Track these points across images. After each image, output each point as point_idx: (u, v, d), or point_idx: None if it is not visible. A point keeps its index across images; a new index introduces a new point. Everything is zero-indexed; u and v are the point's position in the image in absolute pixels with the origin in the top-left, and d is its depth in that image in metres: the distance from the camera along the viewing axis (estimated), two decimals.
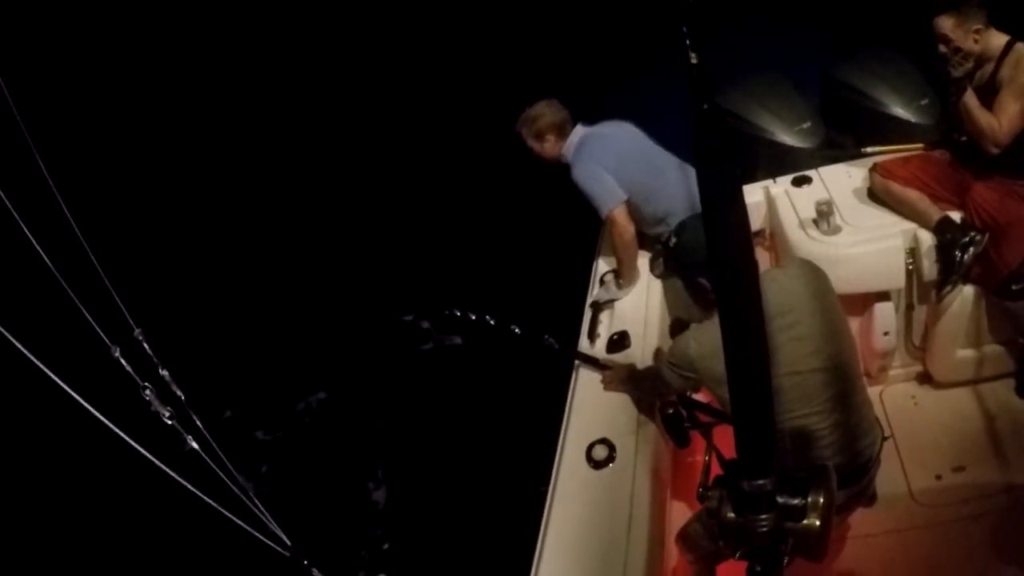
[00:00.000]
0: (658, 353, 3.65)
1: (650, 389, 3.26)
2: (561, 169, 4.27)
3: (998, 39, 3.48)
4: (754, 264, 1.43)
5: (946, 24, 3.47)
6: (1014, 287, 3.67)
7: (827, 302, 2.81)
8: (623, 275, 4.16)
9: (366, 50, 11.99)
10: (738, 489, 1.61)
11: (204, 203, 9.66)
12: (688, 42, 1.23)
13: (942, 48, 3.53)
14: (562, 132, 4.23)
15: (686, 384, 2.91)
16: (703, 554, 3.03)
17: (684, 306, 3.83)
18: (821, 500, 1.66)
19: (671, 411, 2.68)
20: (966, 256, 3.64)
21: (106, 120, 10.96)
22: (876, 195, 4.06)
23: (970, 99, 3.51)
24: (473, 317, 3.83)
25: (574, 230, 4.95)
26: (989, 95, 3.52)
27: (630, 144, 4.25)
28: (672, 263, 4.09)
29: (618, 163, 4.09)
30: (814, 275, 2.87)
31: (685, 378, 2.87)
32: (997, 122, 3.45)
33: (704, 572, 3.13)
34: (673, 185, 4.10)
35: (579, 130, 4.26)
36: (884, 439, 2.95)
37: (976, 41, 3.46)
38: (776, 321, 2.63)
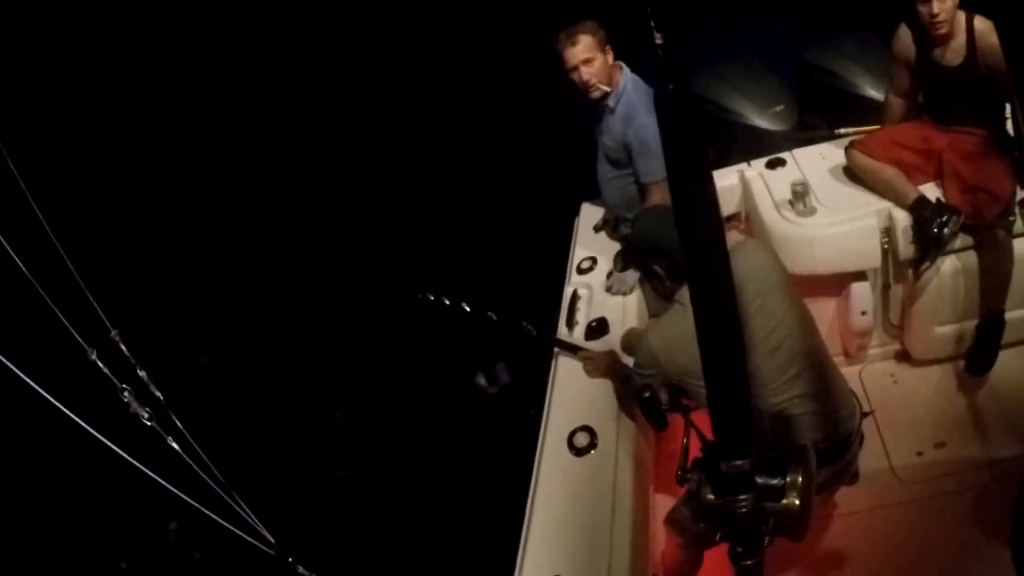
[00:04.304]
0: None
1: (630, 387, 3.20)
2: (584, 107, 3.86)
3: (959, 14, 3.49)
4: (724, 244, 1.43)
5: None
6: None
7: (783, 278, 2.86)
8: None
9: (347, 45, 11.91)
10: (716, 470, 1.62)
11: (177, 201, 9.54)
12: (653, 23, 1.23)
13: (935, 8, 3.40)
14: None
15: (657, 381, 2.88)
16: (692, 537, 3.04)
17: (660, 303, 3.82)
18: (800, 480, 1.67)
19: (647, 394, 2.69)
20: (944, 231, 3.65)
21: (79, 117, 10.80)
22: (852, 175, 4.06)
23: None
24: (447, 303, 3.79)
25: (550, 217, 4.93)
26: (972, 73, 3.50)
27: None
28: (628, 255, 3.92)
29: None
30: (768, 252, 2.93)
31: (652, 376, 2.87)
32: None
33: (693, 555, 3.15)
34: None
35: (628, 72, 3.82)
36: (865, 414, 2.97)
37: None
38: (741, 296, 2.64)
